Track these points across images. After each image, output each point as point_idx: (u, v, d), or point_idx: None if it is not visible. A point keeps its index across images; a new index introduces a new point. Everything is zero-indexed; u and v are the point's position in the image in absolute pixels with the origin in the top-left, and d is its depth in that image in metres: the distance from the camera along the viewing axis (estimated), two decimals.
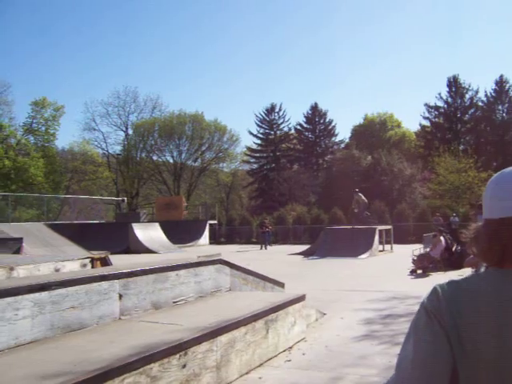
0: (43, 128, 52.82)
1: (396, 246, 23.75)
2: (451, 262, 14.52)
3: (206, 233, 33.10)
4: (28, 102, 62.19)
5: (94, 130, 58.21)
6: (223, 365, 4.55)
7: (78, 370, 3.26)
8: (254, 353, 5.12)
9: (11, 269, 5.16)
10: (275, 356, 5.54)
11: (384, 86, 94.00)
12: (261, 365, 5.21)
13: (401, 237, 26.51)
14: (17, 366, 3.46)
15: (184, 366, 4.01)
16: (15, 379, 3.12)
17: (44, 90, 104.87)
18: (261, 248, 28.14)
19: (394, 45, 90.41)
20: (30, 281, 4.53)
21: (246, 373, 4.93)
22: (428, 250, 15.56)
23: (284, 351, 5.76)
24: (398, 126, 63.76)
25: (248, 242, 33.48)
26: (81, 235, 22.22)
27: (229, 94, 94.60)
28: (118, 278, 5.00)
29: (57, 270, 6.21)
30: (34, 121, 52.40)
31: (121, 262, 8.21)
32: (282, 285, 8.27)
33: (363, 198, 23.14)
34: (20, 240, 13.96)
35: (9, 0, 70.81)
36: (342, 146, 59.39)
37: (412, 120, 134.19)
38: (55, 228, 19.74)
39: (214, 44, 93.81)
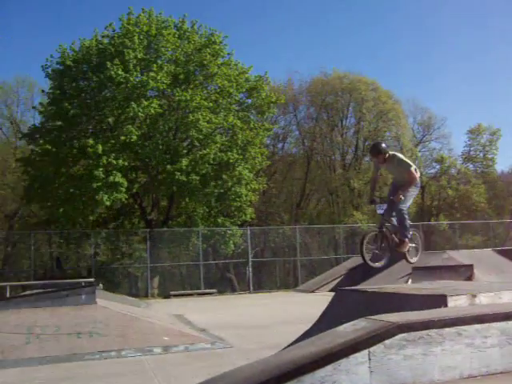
0: (481, 154, 53.17)
1: None
2: None
3: None
4: (463, 131, 63.64)
5: None
6: None
7: None
8: None
9: (473, 296, 5.22)
10: None
11: None
12: None
13: None
14: None
15: None
16: None
17: (477, 117, 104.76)
18: None
19: None
20: (494, 308, 4.47)
21: None
22: None
23: None
24: None
25: None
26: None
27: None
28: None
29: None
30: (472, 148, 53.24)
31: None
32: None
33: None
34: (470, 266, 14.00)
35: None
36: None
37: None
38: (503, 253, 19.12)
39: None
